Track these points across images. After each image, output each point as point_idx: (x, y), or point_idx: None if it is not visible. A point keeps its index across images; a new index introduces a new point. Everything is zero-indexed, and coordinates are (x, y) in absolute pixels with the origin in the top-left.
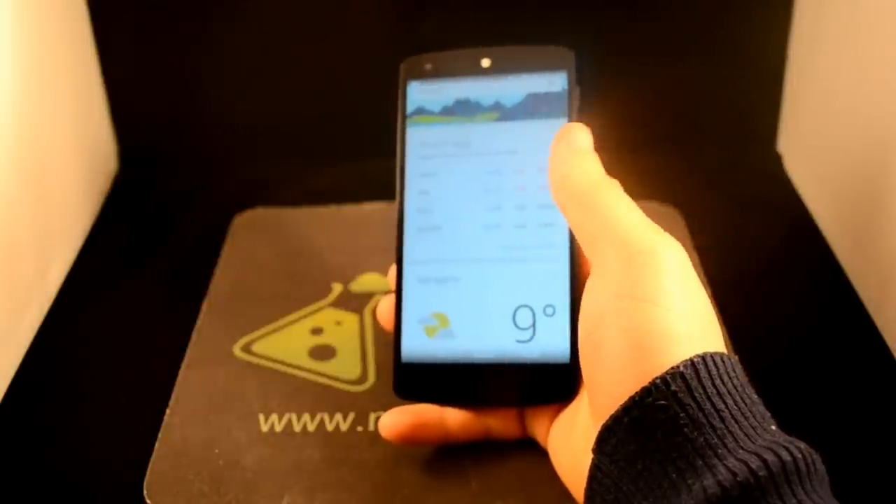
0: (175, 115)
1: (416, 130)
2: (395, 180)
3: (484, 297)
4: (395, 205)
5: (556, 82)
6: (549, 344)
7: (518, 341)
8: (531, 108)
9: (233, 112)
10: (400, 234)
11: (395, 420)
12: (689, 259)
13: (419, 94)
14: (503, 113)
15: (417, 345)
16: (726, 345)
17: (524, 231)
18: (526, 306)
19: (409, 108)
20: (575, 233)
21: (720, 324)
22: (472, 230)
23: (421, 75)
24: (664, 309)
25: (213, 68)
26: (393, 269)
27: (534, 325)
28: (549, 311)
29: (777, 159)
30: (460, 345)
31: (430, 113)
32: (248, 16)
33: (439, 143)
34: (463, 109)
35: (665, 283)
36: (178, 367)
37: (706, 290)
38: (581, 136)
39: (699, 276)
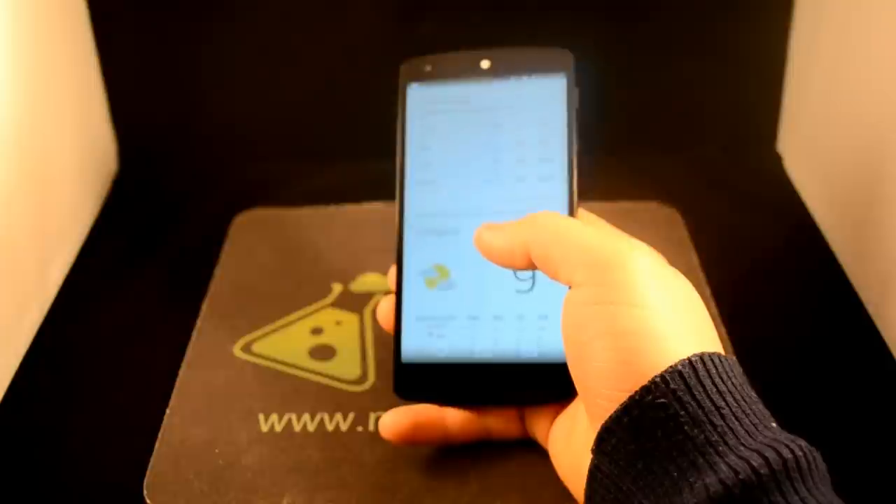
0: (175, 115)
1: (416, 91)
2: (395, 183)
3: None
4: (395, 204)
5: (555, 83)
6: (549, 343)
7: (518, 291)
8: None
9: (233, 112)
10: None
11: (395, 420)
12: (661, 259)
13: (418, 95)
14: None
15: (417, 345)
16: (727, 344)
17: (523, 184)
18: None
19: (409, 109)
20: (541, 268)
21: (720, 323)
22: (473, 184)
23: (420, 77)
24: (643, 308)
25: (212, 68)
26: (393, 270)
27: (533, 275)
28: None
29: (777, 159)
30: (460, 343)
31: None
32: (247, 16)
33: (438, 101)
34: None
35: (639, 284)
36: (178, 367)
37: (705, 289)
38: None
39: (698, 275)
